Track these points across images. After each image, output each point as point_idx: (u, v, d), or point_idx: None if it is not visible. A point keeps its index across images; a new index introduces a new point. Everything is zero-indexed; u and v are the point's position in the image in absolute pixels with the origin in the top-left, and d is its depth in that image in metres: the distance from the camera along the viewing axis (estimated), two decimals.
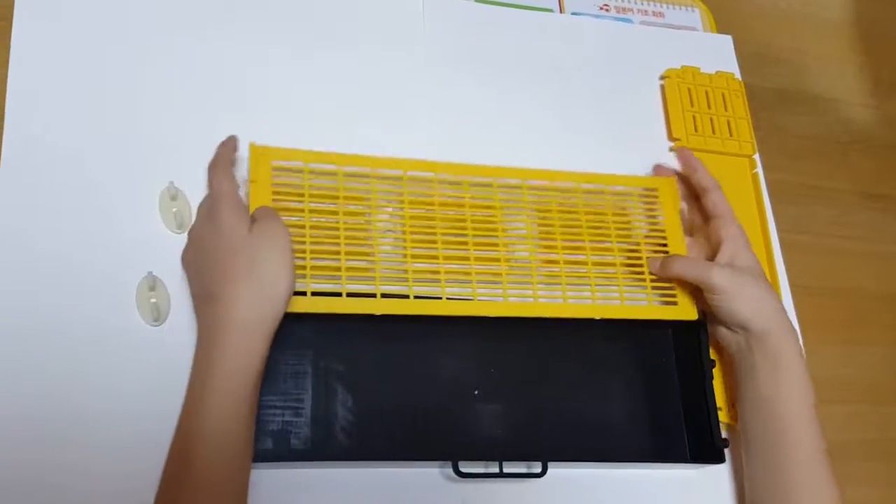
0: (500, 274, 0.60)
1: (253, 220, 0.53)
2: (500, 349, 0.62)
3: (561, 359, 0.63)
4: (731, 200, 0.73)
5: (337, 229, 0.57)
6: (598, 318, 0.61)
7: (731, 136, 0.76)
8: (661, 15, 0.85)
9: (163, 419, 0.51)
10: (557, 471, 0.59)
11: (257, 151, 0.57)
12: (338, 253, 0.56)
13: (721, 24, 0.88)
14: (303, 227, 0.56)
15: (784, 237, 0.77)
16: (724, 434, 0.62)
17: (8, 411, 0.51)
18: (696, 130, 0.75)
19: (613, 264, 0.64)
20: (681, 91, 0.76)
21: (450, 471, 0.56)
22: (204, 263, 0.53)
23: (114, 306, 0.55)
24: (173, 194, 0.57)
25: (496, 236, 0.62)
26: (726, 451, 0.62)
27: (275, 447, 0.54)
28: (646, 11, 0.84)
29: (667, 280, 0.64)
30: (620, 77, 0.77)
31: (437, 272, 0.59)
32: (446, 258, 0.59)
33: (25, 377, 0.52)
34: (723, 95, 0.77)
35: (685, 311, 0.64)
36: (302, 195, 0.57)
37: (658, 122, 0.77)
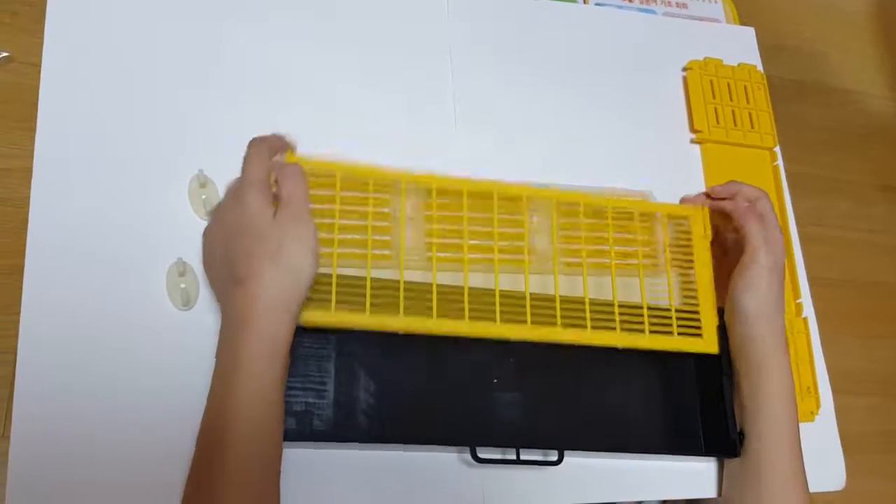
0: (523, 295, 0.60)
1: (278, 203, 0.53)
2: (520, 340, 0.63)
3: (579, 349, 0.64)
4: None
5: (365, 236, 0.57)
6: (620, 346, 0.62)
7: (752, 128, 0.76)
8: (685, 6, 0.85)
9: (190, 398, 0.52)
10: (573, 459, 0.60)
11: (292, 161, 0.57)
12: (363, 265, 0.57)
13: (741, 15, 0.88)
14: (331, 242, 0.56)
15: (802, 230, 0.77)
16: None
17: (46, 391, 0.52)
18: (717, 122, 0.75)
19: (638, 291, 0.63)
20: (703, 83, 0.76)
21: (468, 456, 0.57)
22: (229, 245, 0.53)
23: (143, 292, 0.56)
24: (203, 182, 0.58)
25: (522, 255, 0.62)
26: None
27: (298, 427, 0.55)
28: (669, 3, 0.84)
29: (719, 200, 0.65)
30: (643, 68, 0.78)
31: (461, 292, 0.59)
32: (473, 269, 0.60)
33: (60, 360, 0.53)
34: (745, 88, 0.77)
35: (709, 344, 0.64)
36: (333, 206, 0.57)
37: (680, 113, 0.77)
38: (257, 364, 0.49)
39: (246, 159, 0.55)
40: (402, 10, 0.72)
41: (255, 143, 0.55)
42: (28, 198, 0.56)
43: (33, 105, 0.58)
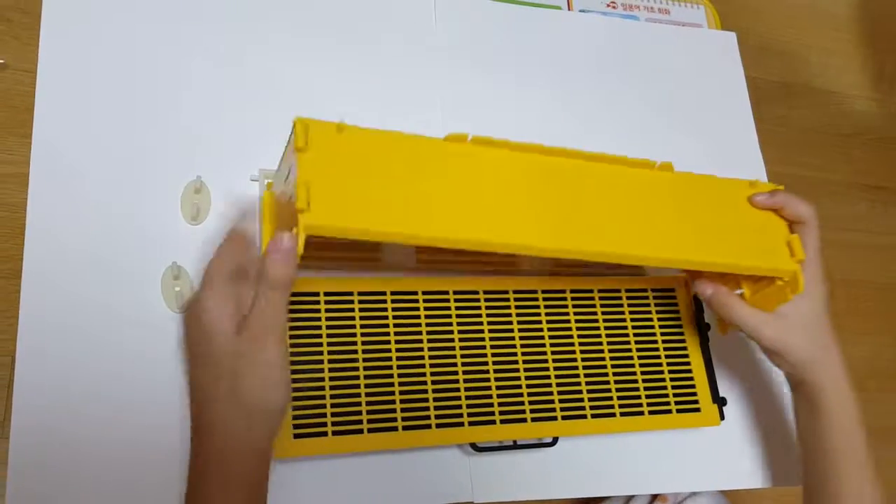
0: (521, 393, 0.60)
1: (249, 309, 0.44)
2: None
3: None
4: None
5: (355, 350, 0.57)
6: (621, 432, 0.63)
7: None
8: (667, 12, 0.86)
9: (186, 399, 0.52)
10: (567, 438, 0.62)
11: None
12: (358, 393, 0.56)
13: (726, 17, 0.89)
14: (321, 367, 0.56)
15: None
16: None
17: (44, 393, 0.53)
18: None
19: (634, 371, 0.64)
20: None
21: (466, 445, 0.59)
22: (190, 366, 0.47)
23: (139, 295, 0.57)
24: (198, 188, 0.59)
25: (514, 349, 0.61)
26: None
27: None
28: (652, 9, 0.85)
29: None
30: (627, 73, 0.79)
31: (459, 396, 0.59)
32: (465, 372, 0.59)
33: (58, 363, 0.54)
34: None
35: (708, 418, 0.65)
36: (319, 327, 0.57)
37: (664, 118, 0.78)
38: None
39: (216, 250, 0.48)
40: (389, 18, 0.73)
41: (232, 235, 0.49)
42: (23, 203, 0.57)
43: (28, 111, 0.58)
